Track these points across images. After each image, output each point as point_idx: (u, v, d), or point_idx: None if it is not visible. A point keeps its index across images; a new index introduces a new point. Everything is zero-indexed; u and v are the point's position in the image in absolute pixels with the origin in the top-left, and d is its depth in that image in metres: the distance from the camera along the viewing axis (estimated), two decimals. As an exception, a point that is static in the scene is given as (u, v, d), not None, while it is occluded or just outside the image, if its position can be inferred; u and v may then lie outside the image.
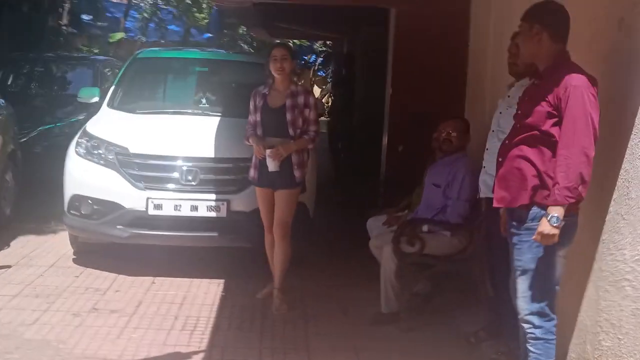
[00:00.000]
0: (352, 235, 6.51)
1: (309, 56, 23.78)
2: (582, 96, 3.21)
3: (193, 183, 5.63)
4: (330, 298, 5.50)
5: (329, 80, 23.06)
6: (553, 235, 3.21)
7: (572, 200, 3.20)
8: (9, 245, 6.39)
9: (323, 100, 19.35)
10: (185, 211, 5.58)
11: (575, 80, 3.24)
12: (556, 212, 3.20)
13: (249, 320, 4.98)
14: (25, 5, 16.68)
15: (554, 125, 3.28)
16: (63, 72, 10.72)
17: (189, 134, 6.07)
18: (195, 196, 5.62)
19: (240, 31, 23.21)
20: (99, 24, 20.10)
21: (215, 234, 5.67)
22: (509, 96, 4.33)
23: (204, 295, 5.41)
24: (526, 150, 3.37)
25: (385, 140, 7.26)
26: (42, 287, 5.38)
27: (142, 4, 21.26)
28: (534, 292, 3.40)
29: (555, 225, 3.20)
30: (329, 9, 9.36)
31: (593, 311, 3.55)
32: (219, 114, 6.49)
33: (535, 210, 3.33)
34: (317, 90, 23.43)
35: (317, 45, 23.54)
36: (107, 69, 10.65)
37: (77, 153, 5.94)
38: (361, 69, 11.22)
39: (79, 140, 6.02)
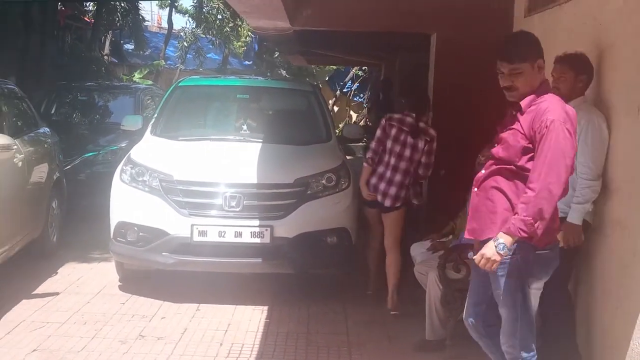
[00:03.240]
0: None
1: (345, 82, 23.89)
2: (557, 131, 3.20)
3: (237, 209, 5.66)
4: (374, 324, 5.47)
5: (364, 105, 23.15)
6: (494, 261, 3.21)
7: (524, 235, 3.19)
8: (56, 273, 6.48)
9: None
10: (230, 237, 5.60)
11: (552, 114, 3.23)
12: (505, 240, 3.20)
13: (293, 347, 4.96)
14: (68, 36, 17.13)
15: (530, 160, 3.28)
16: (105, 100, 10.91)
17: (232, 160, 6.11)
18: (239, 222, 5.63)
19: (278, 58, 23.47)
20: (141, 52, 20.51)
21: (259, 260, 5.67)
22: None
23: (249, 321, 5.41)
24: (501, 182, 3.36)
25: (426, 164, 7.23)
26: (90, 314, 5.44)
27: (181, 34, 21.64)
28: (515, 324, 3.38)
29: (500, 252, 3.19)
30: (368, 35, 9.41)
31: (646, 338, 3.48)
32: (261, 140, 6.53)
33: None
34: (353, 116, 23.56)
35: (354, 71, 23.63)
36: (148, 97, 10.84)
37: (122, 180, 6.01)
38: (399, 93, 11.23)
39: (124, 167, 6.10)
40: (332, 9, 6.95)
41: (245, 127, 7.04)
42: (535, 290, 3.43)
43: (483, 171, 3.45)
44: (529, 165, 3.27)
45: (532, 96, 3.36)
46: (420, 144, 5.64)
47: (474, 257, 3.30)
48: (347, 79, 24.01)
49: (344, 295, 5.98)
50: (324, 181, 5.98)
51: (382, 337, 5.20)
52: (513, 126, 3.35)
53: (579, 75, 4.19)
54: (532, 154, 3.26)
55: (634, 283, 3.62)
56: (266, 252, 5.68)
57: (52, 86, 11.32)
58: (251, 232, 5.63)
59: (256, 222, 5.66)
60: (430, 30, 6.97)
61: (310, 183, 5.92)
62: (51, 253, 6.96)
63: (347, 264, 6.03)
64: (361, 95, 23.63)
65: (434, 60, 6.84)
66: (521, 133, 3.29)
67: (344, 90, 23.89)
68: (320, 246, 5.83)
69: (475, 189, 3.47)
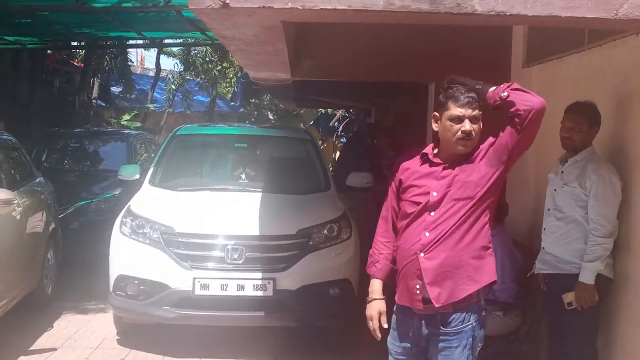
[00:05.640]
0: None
1: (332, 123, 24.01)
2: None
3: (239, 262, 5.58)
4: (379, 378, 5.39)
5: (352, 146, 23.19)
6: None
7: None
8: (52, 326, 6.35)
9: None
10: (232, 291, 5.53)
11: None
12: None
13: (300, 403, 4.89)
14: (57, 80, 17.12)
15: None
16: (96, 147, 10.80)
17: (233, 211, 6.07)
18: (242, 275, 5.56)
19: (266, 100, 23.57)
20: (128, 95, 20.51)
21: (262, 313, 5.59)
22: (562, 172, 4.29)
23: (252, 377, 5.33)
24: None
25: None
26: (90, 371, 5.34)
27: (169, 76, 21.70)
28: None
29: None
30: (364, 82, 9.48)
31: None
32: (260, 190, 6.50)
33: (460, 314, 3.21)
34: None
35: (340, 113, 23.77)
36: (140, 143, 10.78)
37: (122, 232, 5.93)
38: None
39: (124, 219, 6.02)
40: (332, 60, 7.01)
41: (244, 176, 7.02)
42: None
43: (427, 234, 3.18)
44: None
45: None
46: None
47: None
48: (333, 121, 24.14)
49: (348, 348, 5.91)
50: (325, 232, 5.94)
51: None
52: (469, 179, 3.19)
53: (592, 127, 4.17)
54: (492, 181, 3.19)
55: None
56: (269, 305, 5.60)
57: (42, 132, 11.23)
58: (254, 285, 5.56)
59: (259, 275, 5.59)
60: (427, 80, 7.04)
61: (312, 234, 5.87)
62: (46, 305, 6.83)
63: (350, 316, 5.97)
64: (348, 136, 23.70)
65: (434, 107, 6.90)
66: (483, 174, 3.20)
67: (332, 129, 23.98)
68: (323, 298, 5.76)
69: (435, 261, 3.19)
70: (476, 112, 3.17)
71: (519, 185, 5.96)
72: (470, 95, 3.17)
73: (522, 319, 4.89)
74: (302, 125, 24.13)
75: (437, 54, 6.61)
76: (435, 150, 3.32)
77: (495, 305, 4.86)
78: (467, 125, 3.15)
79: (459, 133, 3.16)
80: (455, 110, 3.16)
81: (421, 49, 6.64)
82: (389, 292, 3.44)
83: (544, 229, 4.36)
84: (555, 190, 4.31)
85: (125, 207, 6.23)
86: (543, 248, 4.35)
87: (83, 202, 8.70)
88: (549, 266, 4.29)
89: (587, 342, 4.12)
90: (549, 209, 4.34)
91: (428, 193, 3.22)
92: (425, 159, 3.31)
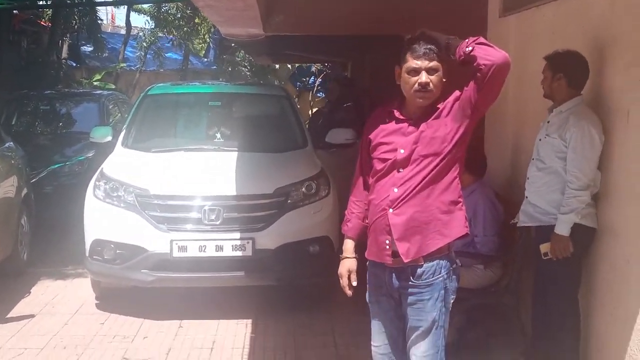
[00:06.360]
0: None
1: (307, 78, 23.76)
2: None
3: (217, 222, 5.52)
4: (361, 333, 5.36)
5: (326, 101, 23.02)
6: None
7: None
8: (29, 293, 6.27)
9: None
10: (210, 252, 5.47)
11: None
12: None
13: (282, 362, 4.88)
14: (24, 41, 16.69)
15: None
16: (68, 108, 10.58)
17: (209, 171, 5.98)
18: (220, 236, 5.50)
19: (239, 56, 23.22)
20: (99, 55, 20.09)
21: (241, 273, 5.55)
22: (548, 122, 4.23)
23: (234, 337, 5.30)
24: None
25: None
26: (69, 337, 5.26)
27: (140, 34, 21.25)
28: (437, 349, 3.24)
29: None
30: (338, 36, 9.32)
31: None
32: (236, 149, 6.41)
33: (431, 267, 3.19)
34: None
35: (316, 67, 23.52)
36: (112, 104, 10.59)
37: (96, 196, 5.82)
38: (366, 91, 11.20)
39: (97, 183, 5.91)
40: (304, 15, 6.85)
41: (219, 135, 6.89)
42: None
43: (396, 190, 3.13)
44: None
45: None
46: None
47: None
48: (310, 77, 23.88)
49: (328, 305, 5.89)
50: (303, 190, 5.88)
51: (369, 345, 5.10)
52: (436, 134, 3.11)
53: (555, 74, 4.11)
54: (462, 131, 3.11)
55: (627, 289, 3.60)
56: (248, 265, 5.56)
57: (11, 95, 10.95)
58: (232, 246, 5.50)
59: (237, 235, 5.54)
60: (403, 31, 6.90)
61: (291, 192, 5.80)
62: (22, 272, 6.74)
63: (330, 273, 5.93)
64: (325, 90, 23.51)
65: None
66: (449, 130, 3.12)
67: (308, 85, 23.72)
68: (303, 256, 5.73)
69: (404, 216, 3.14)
70: (433, 63, 3.09)
71: (497, 136, 5.91)
72: (428, 46, 3.09)
73: (502, 271, 4.88)
74: (277, 81, 23.84)
75: (413, 5, 6.47)
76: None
77: (476, 258, 4.86)
78: (423, 77, 3.08)
79: (416, 85, 3.10)
80: (411, 62, 3.10)
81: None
82: (363, 249, 3.43)
83: (528, 178, 4.31)
84: (540, 140, 4.25)
85: (98, 170, 6.12)
86: (526, 197, 4.32)
87: (56, 166, 8.54)
88: (529, 218, 4.27)
89: (567, 293, 4.11)
90: (533, 159, 4.30)
91: (396, 150, 3.19)
92: (391, 116, 3.26)
